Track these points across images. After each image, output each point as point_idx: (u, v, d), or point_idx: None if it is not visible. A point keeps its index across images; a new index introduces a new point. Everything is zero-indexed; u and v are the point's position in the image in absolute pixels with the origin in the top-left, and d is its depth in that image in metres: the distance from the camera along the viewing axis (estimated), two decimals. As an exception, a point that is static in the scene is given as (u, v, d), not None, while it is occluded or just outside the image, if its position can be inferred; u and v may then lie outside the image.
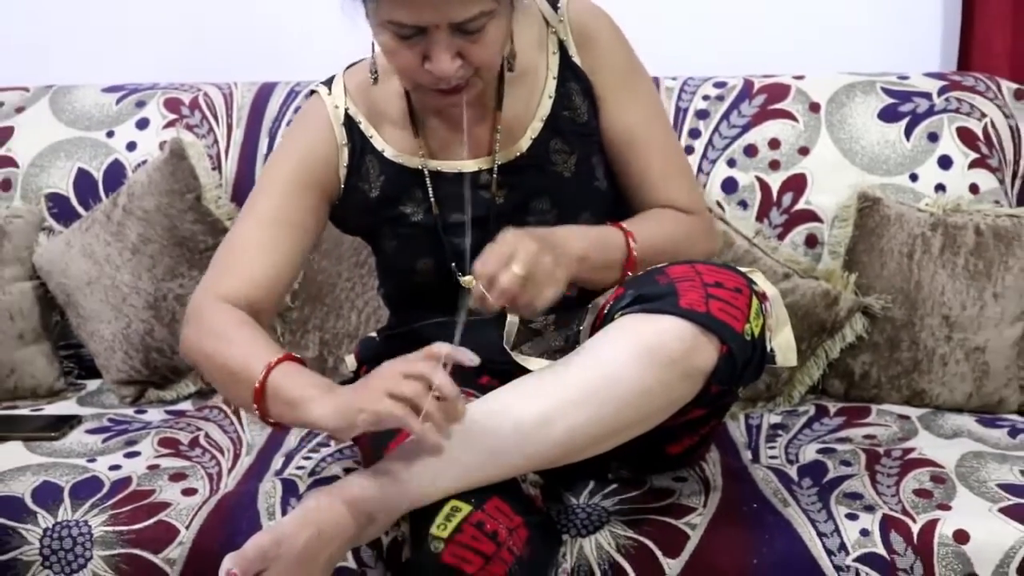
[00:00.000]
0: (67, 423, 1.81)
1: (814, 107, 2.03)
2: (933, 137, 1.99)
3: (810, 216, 1.97)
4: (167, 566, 1.46)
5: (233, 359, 1.35)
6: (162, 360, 1.95)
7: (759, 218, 1.97)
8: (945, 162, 1.98)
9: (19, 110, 2.16)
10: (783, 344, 1.42)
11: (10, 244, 2.01)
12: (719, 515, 1.46)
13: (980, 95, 2.03)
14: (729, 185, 1.99)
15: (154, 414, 1.91)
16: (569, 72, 1.51)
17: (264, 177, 1.53)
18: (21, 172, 2.10)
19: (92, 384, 2.07)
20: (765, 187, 1.99)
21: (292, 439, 1.74)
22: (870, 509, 1.46)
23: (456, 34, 1.32)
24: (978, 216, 1.86)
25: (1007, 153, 2.01)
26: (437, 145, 1.52)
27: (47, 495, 1.55)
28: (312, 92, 1.56)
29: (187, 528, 1.48)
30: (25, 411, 1.92)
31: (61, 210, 2.08)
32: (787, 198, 1.98)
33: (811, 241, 1.97)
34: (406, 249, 1.53)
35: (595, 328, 1.37)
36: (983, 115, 2.01)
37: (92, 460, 1.67)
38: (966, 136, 1.99)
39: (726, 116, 2.03)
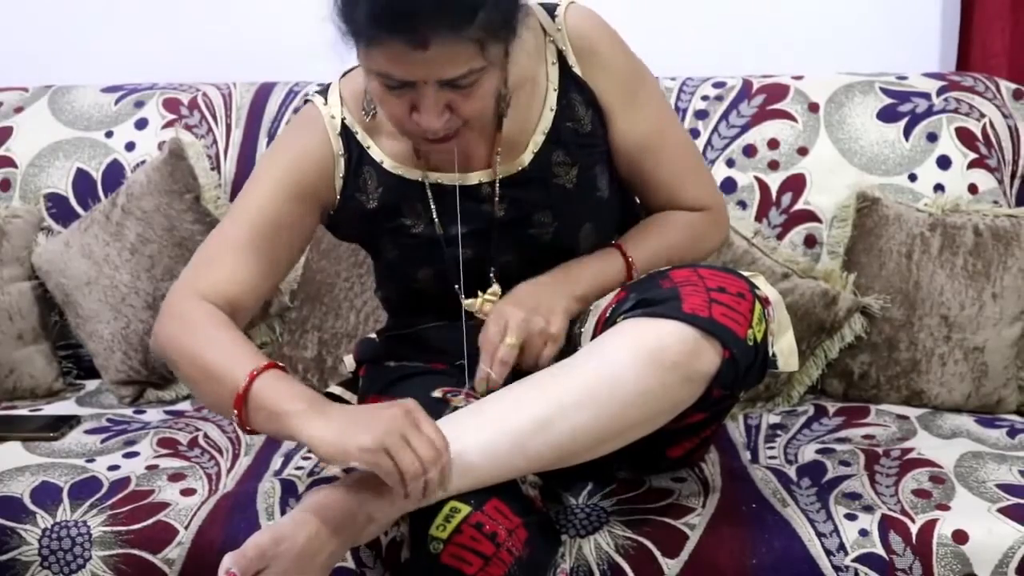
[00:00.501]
0: (66, 423, 1.81)
1: (813, 107, 2.03)
2: (932, 137, 1.99)
3: (809, 216, 1.97)
4: (166, 566, 1.46)
5: (214, 362, 1.32)
6: (161, 360, 1.95)
7: (758, 218, 1.98)
8: (944, 162, 1.98)
9: (18, 110, 2.16)
10: (785, 349, 1.42)
11: (9, 244, 2.00)
12: (718, 515, 1.46)
13: (979, 95, 2.03)
14: (728, 185, 1.99)
15: (153, 414, 1.91)
16: (570, 82, 1.47)
17: (254, 179, 1.48)
18: (20, 172, 2.10)
19: (91, 384, 2.06)
20: (764, 187, 1.99)
21: (291, 439, 1.74)
22: (869, 509, 1.46)
23: (445, 88, 1.29)
24: (977, 216, 1.86)
25: (1006, 153, 2.01)
26: (436, 158, 1.48)
27: (46, 495, 1.55)
28: (307, 101, 1.51)
29: (186, 528, 1.48)
30: (24, 411, 1.92)
31: (60, 210, 2.08)
32: (786, 198, 1.98)
33: (810, 241, 1.97)
34: (408, 259, 1.51)
35: (597, 332, 1.37)
36: (982, 115, 2.01)
37: (91, 460, 1.67)
38: (965, 136, 1.99)
39: (725, 116, 2.03)
